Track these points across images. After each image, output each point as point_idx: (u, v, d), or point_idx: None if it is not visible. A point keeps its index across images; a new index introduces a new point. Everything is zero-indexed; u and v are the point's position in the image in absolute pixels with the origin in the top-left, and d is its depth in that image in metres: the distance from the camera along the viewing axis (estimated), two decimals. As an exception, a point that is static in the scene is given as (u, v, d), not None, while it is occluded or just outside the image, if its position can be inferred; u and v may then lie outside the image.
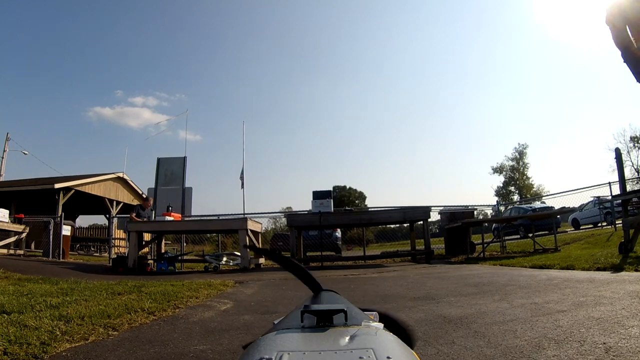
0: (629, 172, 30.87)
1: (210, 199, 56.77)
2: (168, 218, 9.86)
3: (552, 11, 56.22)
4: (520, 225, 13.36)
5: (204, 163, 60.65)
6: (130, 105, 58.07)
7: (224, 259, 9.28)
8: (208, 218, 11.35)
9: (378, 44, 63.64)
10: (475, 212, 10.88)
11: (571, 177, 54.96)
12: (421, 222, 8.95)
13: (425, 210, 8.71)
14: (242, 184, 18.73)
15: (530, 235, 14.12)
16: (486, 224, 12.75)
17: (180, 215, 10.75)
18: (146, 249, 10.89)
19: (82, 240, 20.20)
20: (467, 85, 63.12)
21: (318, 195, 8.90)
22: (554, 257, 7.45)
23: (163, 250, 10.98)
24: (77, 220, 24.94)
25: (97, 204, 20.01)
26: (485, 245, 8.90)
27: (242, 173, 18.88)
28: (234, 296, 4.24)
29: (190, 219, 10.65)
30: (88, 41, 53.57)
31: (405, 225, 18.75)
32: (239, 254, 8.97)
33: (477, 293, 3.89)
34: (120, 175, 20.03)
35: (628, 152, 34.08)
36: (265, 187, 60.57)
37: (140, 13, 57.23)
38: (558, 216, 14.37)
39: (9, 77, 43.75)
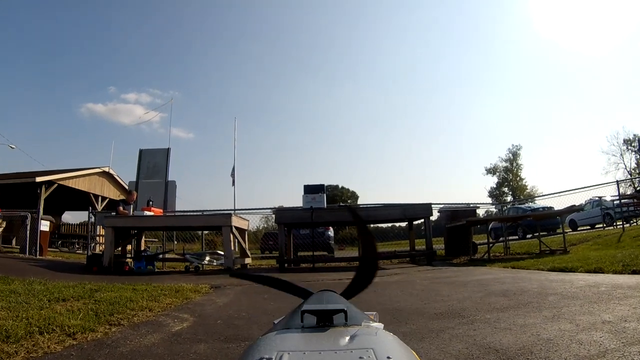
0: (621, 175, 30.28)
1: (203, 197, 55.24)
2: (147, 213, 8.75)
3: (548, 13, 55.48)
4: (520, 226, 12.44)
5: (197, 161, 58.91)
6: (123, 102, 55.82)
7: (207, 258, 8.20)
8: (189, 214, 10.22)
9: (372, 43, 62.36)
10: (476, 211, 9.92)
11: (564, 179, 54.40)
12: (422, 220, 7.94)
13: (426, 208, 7.70)
14: (233, 181, 17.65)
15: (530, 236, 13.31)
16: (479, 225, 11.82)
17: (161, 211, 9.63)
18: (129, 247, 9.76)
19: (67, 236, 18.88)
20: (459, 85, 61.77)
21: (310, 190, 7.84)
22: (569, 258, 6.53)
23: (143, 248, 9.85)
24: (67, 216, 23.60)
25: (82, 200, 18.66)
26: (490, 245, 7.94)
27: (233, 170, 17.83)
28: (199, 308, 3.18)
29: (171, 214, 9.51)
30: (81, 36, 51.61)
31: (397, 224, 17.78)
32: (222, 252, 7.88)
33: (515, 306, 2.90)
34: (106, 169, 18.68)
35: (621, 154, 33.40)
36: (258, 187, 58.91)
37: (135, 9, 55.46)
38: (558, 217, 13.57)
39: (0, 71, 41.84)
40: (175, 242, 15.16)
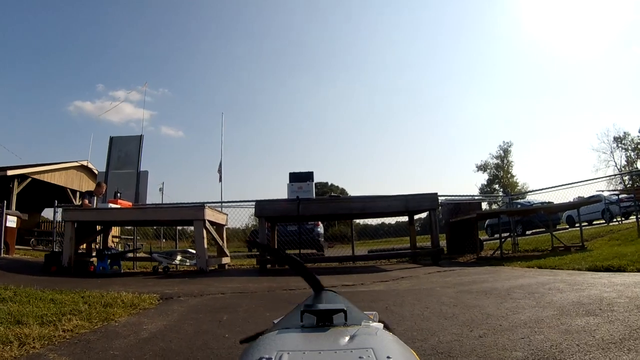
0: (612, 172, 29.63)
1: (193, 195, 53.18)
2: (113, 206, 7.34)
3: (538, 12, 54.42)
4: (520, 222, 11.36)
5: (187, 159, 56.59)
6: (111, 100, 53.16)
7: (178, 257, 6.85)
8: (157, 206, 8.80)
9: (363, 41, 60.59)
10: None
11: (555, 176, 53.61)
12: (426, 213, 6.66)
13: (433, 199, 6.39)
14: (220, 177, 16.25)
15: (529, 232, 12.26)
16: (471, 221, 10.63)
17: (130, 204, 8.20)
18: (94, 245, 8.34)
19: (47, 234, 17.23)
20: (451, 83, 60.16)
21: (296, 178, 6.51)
22: (599, 255, 5.32)
23: (110, 245, 8.41)
24: (51, 213, 21.71)
25: (59, 195, 16.96)
26: (502, 241, 6.73)
27: (220, 166, 16.43)
28: (103, 344, 1.84)
29: (136, 207, 8.06)
30: (70, 34, 48.88)
31: (387, 222, 16.43)
32: (194, 251, 6.52)
33: (634, 337, 1.63)
34: (85, 163, 17.02)
35: (612, 152, 32.86)
36: (249, 185, 56.64)
37: (124, 6, 52.99)
38: (559, 213, 12.53)
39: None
40: (164, 240, 13.61)
